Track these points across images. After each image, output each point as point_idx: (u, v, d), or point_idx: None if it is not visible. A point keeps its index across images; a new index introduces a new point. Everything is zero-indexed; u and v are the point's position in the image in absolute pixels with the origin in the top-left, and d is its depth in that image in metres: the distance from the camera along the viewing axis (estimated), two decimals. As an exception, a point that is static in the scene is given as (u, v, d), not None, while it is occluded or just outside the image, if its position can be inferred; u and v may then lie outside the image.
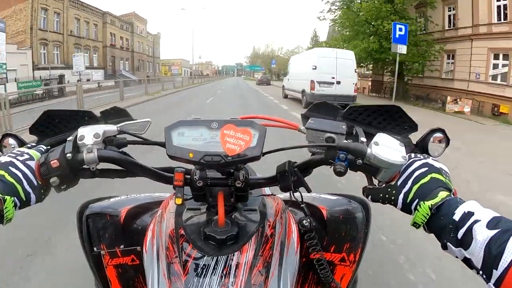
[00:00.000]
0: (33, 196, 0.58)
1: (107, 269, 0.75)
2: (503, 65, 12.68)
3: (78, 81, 21.72)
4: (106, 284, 0.76)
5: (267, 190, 0.86)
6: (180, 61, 64.18)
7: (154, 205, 0.86)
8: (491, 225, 0.45)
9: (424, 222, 0.52)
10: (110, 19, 32.68)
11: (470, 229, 0.46)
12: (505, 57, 12.56)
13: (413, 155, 0.60)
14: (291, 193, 0.65)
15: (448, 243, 0.48)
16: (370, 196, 0.61)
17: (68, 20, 25.85)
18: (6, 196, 0.52)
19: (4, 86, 15.51)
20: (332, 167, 0.61)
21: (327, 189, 0.96)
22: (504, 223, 0.44)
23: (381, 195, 0.59)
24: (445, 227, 0.49)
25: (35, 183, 0.58)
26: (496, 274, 0.42)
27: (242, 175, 0.63)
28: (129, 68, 36.93)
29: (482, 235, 0.44)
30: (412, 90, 16.97)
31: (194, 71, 62.03)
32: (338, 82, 12.16)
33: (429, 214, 0.51)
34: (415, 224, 0.53)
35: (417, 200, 0.54)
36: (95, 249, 0.77)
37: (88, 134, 0.63)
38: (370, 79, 22.77)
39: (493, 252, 0.42)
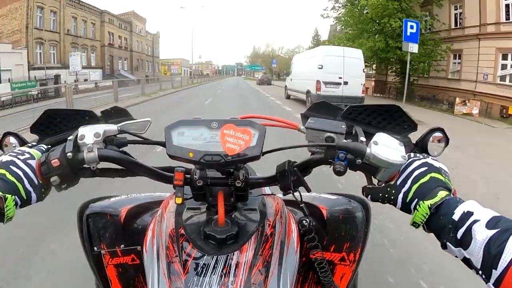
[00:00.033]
0: (33, 195, 0.59)
1: (107, 269, 0.77)
2: (512, 66, 12.50)
3: (75, 81, 21.78)
4: (107, 284, 0.77)
5: (267, 190, 0.87)
6: (180, 60, 64.35)
7: (154, 204, 0.87)
8: (490, 224, 0.45)
9: (423, 222, 0.53)
10: (108, 18, 32.84)
11: (469, 229, 0.47)
12: (514, 57, 12.39)
13: (412, 154, 0.62)
14: (292, 193, 0.66)
15: (448, 243, 0.49)
16: (369, 196, 0.62)
17: (65, 19, 25.96)
18: (7, 195, 0.54)
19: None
20: (332, 166, 0.62)
21: (327, 189, 0.98)
22: (503, 222, 0.45)
23: (380, 194, 0.60)
24: (445, 227, 0.50)
25: (36, 182, 0.60)
26: (495, 274, 0.42)
27: (242, 174, 0.64)
28: (127, 68, 37.08)
29: (481, 234, 0.45)
30: (417, 90, 16.89)
31: (194, 70, 62.08)
32: (346, 83, 11.72)
33: (429, 214, 0.52)
34: (415, 224, 0.54)
35: (416, 199, 0.55)
36: (95, 248, 0.78)
37: (89, 134, 0.64)
38: (373, 79, 22.72)
39: (492, 252, 0.43)
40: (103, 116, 0.78)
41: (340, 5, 18.48)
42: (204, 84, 37.21)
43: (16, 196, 0.56)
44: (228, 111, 10.93)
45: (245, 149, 0.59)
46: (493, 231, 0.44)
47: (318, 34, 56.16)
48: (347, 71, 11.64)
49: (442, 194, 0.53)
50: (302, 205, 0.67)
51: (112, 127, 0.69)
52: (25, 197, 0.58)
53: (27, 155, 0.61)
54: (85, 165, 0.64)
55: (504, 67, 13.08)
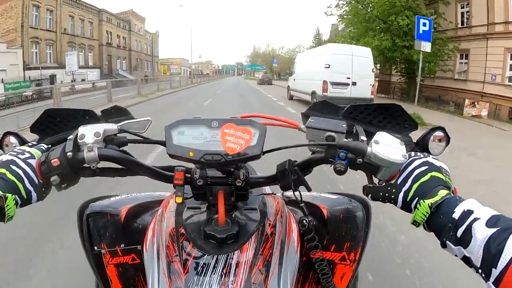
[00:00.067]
0: (34, 195, 0.61)
1: (107, 268, 0.79)
2: (522, 66, 12.39)
3: (72, 81, 21.76)
4: (107, 283, 0.79)
5: (267, 189, 0.88)
6: (180, 60, 64.47)
7: (154, 204, 0.89)
8: (490, 223, 0.46)
9: (424, 221, 0.54)
10: (106, 16, 32.92)
11: (469, 228, 0.48)
12: (524, 58, 12.30)
13: (413, 153, 0.63)
14: (293, 192, 0.68)
15: (448, 242, 0.50)
16: (370, 195, 0.63)
17: (61, 18, 25.98)
18: (7, 194, 0.55)
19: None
20: (332, 165, 0.63)
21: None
22: (503, 221, 0.46)
23: (381, 193, 0.61)
24: (445, 226, 0.51)
25: (36, 181, 0.61)
26: (495, 272, 0.43)
27: (242, 174, 0.66)
28: (126, 68, 37.19)
29: (481, 233, 0.46)
30: (424, 91, 16.77)
31: (194, 70, 62.01)
32: (354, 83, 11.27)
33: (429, 213, 0.53)
34: (415, 223, 0.55)
35: (417, 198, 0.56)
36: (95, 248, 0.80)
37: (89, 133, 0.66)
38: (377, 79, 22.69)
39: (492, 250, 0.44)
40: (103, 115, 0.80)
41: (344, 3, 18.21)
42: (203, 84, 37.30)
43: (16, 196, 0.57)
44: (228, 113, 10.67)
45: (245, 148, 0.61)
46: (493, 230, 0.45)
47: (319, 33, 56.40)
48: (356, 70, 11.21)
49: (442, 193, 0.53)
50: (302, 204, 0.68)
51: (112, 127, 0.71)
52: (25, 197, 0.59)
53: (27, 155, 0.62)
54: (85, 165, 0.65)
55: (513, 67, 12.83)
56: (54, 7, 25.28)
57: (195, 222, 0.69)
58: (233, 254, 0.61)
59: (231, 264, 0.59)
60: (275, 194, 0.86)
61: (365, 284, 2.02)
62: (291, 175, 0.67)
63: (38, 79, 21.01)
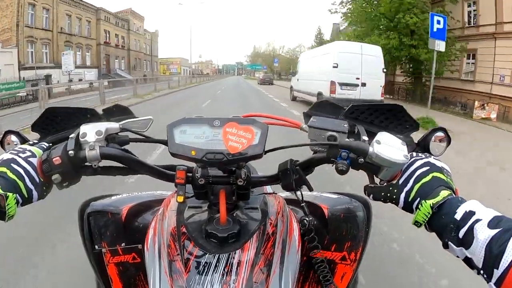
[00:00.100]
0: (35, 193, 0.61)
1: (108, 267, 0.79)
2: (531, 67, 12.22)
3: (69, 81, 21.35)
4: (107, 282, 0.79)
5: (268, 189, 0.90)
6: (179, 59, 64.44)
7: (155, 203, 0.89)
8: (492, 224, 0.47)
9: (425, 221, 0.54)
10: (104, 15, 32.67)
11: (471, 228, 0.48)
12: (533, 58, 12.13)
13: (414, 154, 0.63)
14: (294, 192, 0.69)
15: (449, 242, 0.51)
16: (371, 195, 0.64)
17: (58, 17, 25.67)
18: (8, 193, 0.55)
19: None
20: (334, 165, 0.64)
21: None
22: (505, 222, 0.46)
23: (382, 193, 0.62)
24: (446, 226, 0.51)
25: (37, 180, 0.62)
26: (497, 273, 0.44)
27: (244, 173, 0.67)
28: (125, 67, 36.98)
29: (483, 234, 0.46)
30: (428, 92, 16.34)
31: (194, 70, 61.62)
32: (363, 84, 10.58)
33: (431, 213, 0.53)
34: (417, 223, 0.56)
35: (418, 199, 0.57)
36: (96, 247, 0.80)
37: (90, 132, 0.66)
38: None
39: (494, 251, 0.44)
40: (104, 114, 0.80)
41: (349, 0, 17.71)
42: (203, 84, 37.12)
43: (17, 194, 0.58)
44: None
45: (247, 147, 0.62)
46: (495, 231, 0.46)
47: (321, 33, 55.96)
48: (365, 70, 10.54)
49: (444, 193, 0.54)
50: (303, 204, 0.69)
51: (113, 125, 0.71)
52: (26, 195, 0.60)
53: (28, 153, 0.63)
54: (87, 163, 0.66)
55: (522, 68, 12.64)
56: (51, 6, 24.95)
57: (197, 221, 0.70)
58: (235, 253, 0.62)
59: (232, 263, 0.60)
60: (276, 193, 0.87)
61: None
62: (293, 175, 0.68)
63: (33, 79, 20.53)
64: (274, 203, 0.79)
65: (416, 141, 0.70)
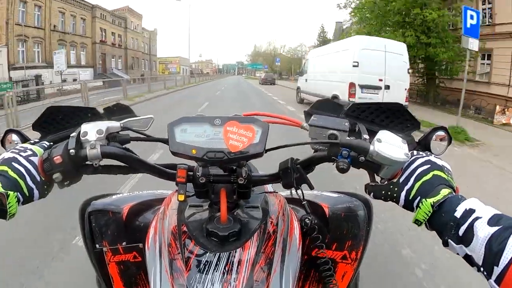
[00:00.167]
0: (36, 192, 0.63)
1: (109, 266, 0.80)
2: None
3: (63, 81, 20.53)
4: (108, 281, 0.81)
5: (269, 188, 0.92)
6: (179, 59, 63.90)
7: (156, 202, 0.91)
8: (492, 222, 0.48)
9: (426, 219, 0.56)
10: (100, 13, 32.35)
11: (471, 226, 0.49)
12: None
13: (415, 152, 0.65)
14: (295, 190, 0.70)
15: (450, 240, 0.52)
16: (372, 193, 0.65)
17: (51, 14, 25.18)
18: (9, 192, 0.56)
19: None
20: (335, 164, 0.65)
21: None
22: (505, 220, 0.48)
23: (383, 192, 0.63)
24: (447, 224, 0.53)
25: (38, 178, 0.63)
26: (497, 270, 0.45)
27: (244, 172, 0.68)
28: (122, 67, 36.73)
29: (483, 232, 0.47)
30: (447, 95, 15.82)
31: (194, 69, 60.82)
32: (387, 87, 9.29)
33: (431, 211, 0.55)
34: (417, 221, 0.57)
35: (419, 197, 0.58)
36: (97, 246, 0.82)
37: (91, 131, 0.68)
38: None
39: (494, 249, 0.45)
40: (105, 113, 0.81)
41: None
42: (202, 84, 36.56)
43: (18, 193, 0.59)
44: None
45: (248, 146, 0.63)
46: (495, 228, 0.47)
47: (324, 31, 55.44)
48: (389, 71, 9.23)
49: (444, 192, 0.55)
50: (305, 202, 0.70)
51: (114, 124, 0.72)
52: (27, 194, 0.61)
53: (29, 152, 0.64)
54: (88, 162, 0.67)
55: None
56: (43, 3, 24.41)
57: (197, 220, 0.71)
58: (235, 252, 0.63)
59: (233, 261, 0.61)
60: (277, 192, 0.89)
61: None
62: (294, 173, 0.69)
63: (23, 80, 19.92)
64: (275, 202, 0.80)
65: (416, 140, 0.71)
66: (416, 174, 0.60)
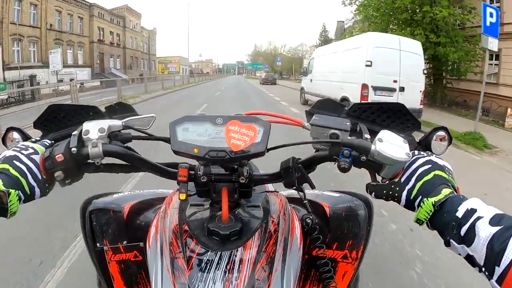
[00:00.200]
0: (37, 190, 0.63)
1: (110, 265, 0.81)
2: None
3: (59, 81, 20.23)
4: (109, 280, 0.82)
5: (270, 187, 0.92)
6: (178, 58, 63.61)
7: (157, 201, 0.91)
8: (493, 222, 0.48)
9: (427, 219, 0.56)
10: (98, 11, 32.12)
11: (473, 226, 0.50)
12: None
13: (416, 152, 0.66)
14: (297, 190, 0.71)
15: (451, 240, 0.53)
16: (373, 193, 0.66)
17: (47, 13, 24.83)
18: (10, 190, 0.56)
19: None
20: (336, 163, 0.66)
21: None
22: (507, 220, 0.48)
23: (384, 191, 0.64)
24: (448, 224, 0.53)
25: (40, 177, 0.63)
26: (498, 271, 0.45)
27: (246, 171, 0.69)
28: (120, 66, 36.59)
29: (484, 231, 0.48)
30: (456, 96, 15.36)
31: (194, 69, 60.44)
32: (402, 89, 8.56)
33: (432, 211, 0.55)
34: (418, 221, 0.57)
35: (420, 196, 0.59)
36: (98, 244, 0.83)
37: (93, 129, 0.68)
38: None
39: (495, 249, 0.46)
40: (107, 111, 0.82)
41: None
42: (202, 84, 36.39)
43: (19, 191, 0.59)
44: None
45: (249, 145, 0.63)
46: (497, 228, 0.47)
47: (326, 30, 55.11)
48: (404, 71, 8.48)
49: (446, 191, 0.56)
50: (306, 201, 0.71)
51: (116, 123, 0.73)
52: (28, 192, 0.61)
53: (30, 150, 0.65)
54: (90, 160, 0.68)
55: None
56: (39, 1, 24.04)
57: (199, 219, 0.72)
58: (237, 250, 0.64)
59: (234, 260, 0.62)
60: (278, 191, 0.90)
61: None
62: (295, 173, 0.70)
63: (17, 80, 19.52)
64: (276, 201, 0.80)
65: (417, 140, 0.72)
66: (417, 173, 0.60)
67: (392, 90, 8.50)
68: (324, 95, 10.50)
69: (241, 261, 0.61)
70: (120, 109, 0.83)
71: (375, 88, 8.44)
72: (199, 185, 0.70)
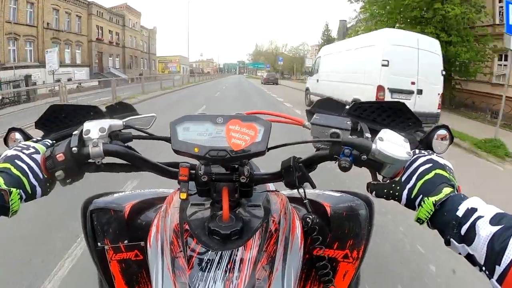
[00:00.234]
0: (38, 189, 0.65)
1: (110, 264, 0.83)
2: None
3: (56, 81, 20.33)
4: (110, 279, 0.83)
5: (271, 186, 0.93)
6: (179, 57, 63.65)
7: (158, 200, 0.93)
8: (494, 221, 0.49)
9: (427, 218, 0.57)
10: (96, 10, 32.25)
11: (473, 225, 0.51)
12: None
13: (417, 151, 0.67)
14: (297, 189, 0.72)
15: (452, 239, 0.54)
16: (374, 192, 0.67)
17: (44, 11, 24.84)
18: (12, 189, 0.58)
19: None
20: (337, 162, 0.67)
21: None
22: (507, 219, 0.49)
23: (385, 190, 0.65)
24: (449, 223, 0.54)
25: (41, 176, 0.65)
26: (499, 270, 0.46)
27: (246, 170, 0.70)
28: (119, 66, 36.71)
29: (485, 231, 0.49)
30: (466, 98, 15.17)
31: (194, 68, 60.57)
32: (419, 92, 7.89)
33: (433, 210, 0.56)
34: (419, 220, 0.58)
35: (421, 196, 0.60)
36: (99, 244, 0.84)
37: (94, 129, 0.70)
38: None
39: (496, 248, 0.47)
40: (108, 111, 0.84)
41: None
42: (202, 84, 36.42)
43: (21, 190, 0.61)
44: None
45: (250, 144, 0.64)
46: (497, 227, 0.48)
47: (328, 29, 55.23)
48: (422, 72, 7.85)
49: (446, 190, 0.57)
50: (306, 201, 0.72)
51: (117, 122, 0.74)
52: (30, 191, 0.63)
53: (32, 150, 0.66)
54: (90, 160, 0.69)
55: None
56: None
57: (199, 218, 0.73)
58: (237, 250, 0.65)
59: (235, 260, 0.63)
60: (279, 191, 0.91)
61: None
62: (296, 172, 0.71)
63: (12, 80, 19.52)
64: (277, 201, 0.82)
65: (418, 139, 0.73)
66: (418, 172, 0.61)
67: (410, 92, 7.86)
68: (332, 95, 9.41)
69: (241, 260, 0.62)
70: (120, 109, 0.84)
71: (392, 91, 7.81)
72: (199, 184, 0.71)
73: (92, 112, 0.81)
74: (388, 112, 0.77)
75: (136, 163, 0.73)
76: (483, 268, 0.49)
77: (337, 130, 0.73)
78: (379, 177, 0.68)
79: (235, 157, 0.64)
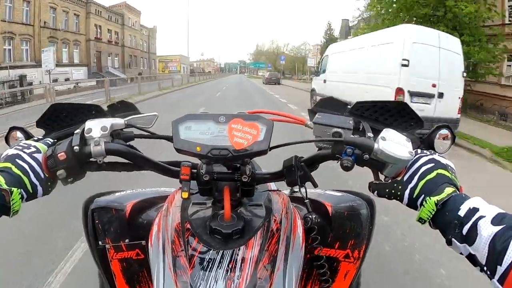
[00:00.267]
0: (39, 189, 0.66)
1: (111, 263, 0.84)
2: None
3: (54, 80, 20.42)
4: (111, 278, 0.85)
5: (272, 186, 0.94)
6: (179, 57, 63.77)
7: (159, 199, 0.94)
8: (495, 221, 0.50)
9: (429, 218, 0.58)
10: (95, 8, 32.33)
11: (475, 225, 0.52)
12: None
13: (419, 150, 0.68)
14: (299, 188, 0.73)
15: (453, 239, 0.55)
16: (376, 192, 0.68)
17: (41, 10, 24.74)
18: (12, 188, 0.59)
19: None
20: (339, 162, 0.68)
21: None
22: (509, 219, 0.50)
23: (387, 190, 0.66)
24: (450, 223, 0.55)
25: (42, 175, 0.66)
26: (500, 270, 0.47)
27: (248, 169, 0.71)
28: (118, 65, 36.82)
29: (486, 231, 0.50)
30: (478, 100, 14.87)
31: (195, 68, 60.69)
32: (440, 95, 7.22)
33: (435, 210, 0.57)
34: (421, 220, 0.59)
35: (423, 195, 0.61)
36: (100, 243, 0.85)
37: (96, 127, 0.71)
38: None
39: (497, 248, 0.47)
40: (109, 110, 0.85)
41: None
42: (202, 83, 36.31)
43: (22, 190, 0.61)
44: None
45: (252, 143, 0.65)
46: (499, 227, 0.49)
47: (331, 28, 55.14)
48: (444, 74, 7.21)
49: (448, 190, 0.58)
50: (307, 201, 0.74)
51: (119, 121, 0.75)
52: (31, 191, 0.64)
53: (33, 149, 0.67)
54: (92, 159, 0.71)
55: None
56: None
57: (201, 217, 0.74)
58: (239, 249, 0.66)
59: (236, 259, 0.64)
60: (280, 190, 0.92)
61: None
62: (298, 171, 0.72)
63: (7, 80, 19.23)
64: (278, 200, 0.83)
65: (420, 139, 0.74)
66: (420, 172, 0.62)
67: (431, 96, 7.21)
68: (341, 98, 7.96)
69: (243, 259, 0.63)
70: (122, 108, 0.85)
71: (412, 94, 7.13)
72: (201, 183, 0.73)
73: (94, 111, 0.82)
74: (390, 112, 0.78)
75: (138, 162, 0.74)
76: (485, 268, 0.50)
77: (339, 130, 0.74)
78: (381, 177, 0.69)
79: (237, 156, 0.65)
